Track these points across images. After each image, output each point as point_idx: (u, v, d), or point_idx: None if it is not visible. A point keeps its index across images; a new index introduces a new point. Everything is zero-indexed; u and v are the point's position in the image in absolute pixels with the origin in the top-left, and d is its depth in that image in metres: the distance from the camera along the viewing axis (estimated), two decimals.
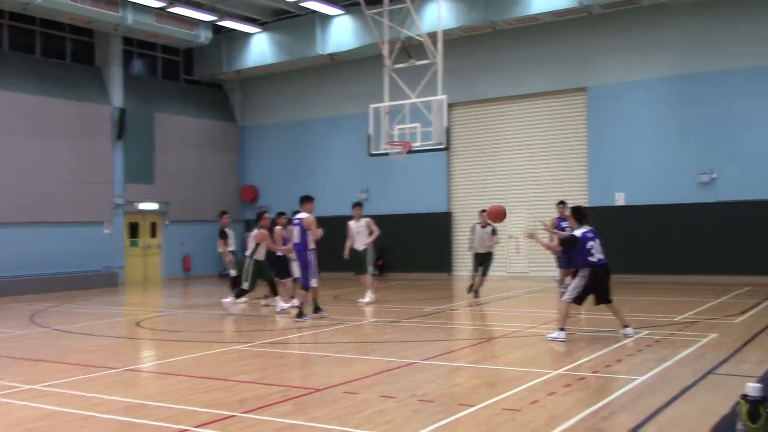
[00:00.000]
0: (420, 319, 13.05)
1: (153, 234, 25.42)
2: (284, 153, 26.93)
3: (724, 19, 19.17)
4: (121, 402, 7.06)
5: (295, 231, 12.84)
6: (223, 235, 16.44)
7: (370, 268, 15.64)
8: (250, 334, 11.67)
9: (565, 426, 5.76)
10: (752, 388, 5.00)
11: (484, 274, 15.87)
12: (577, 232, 10.10)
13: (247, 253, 14.42)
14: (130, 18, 21.61)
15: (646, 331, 10.47)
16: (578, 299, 10.02)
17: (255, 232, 14.43)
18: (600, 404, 6.43)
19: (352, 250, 15.48)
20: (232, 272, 16.39)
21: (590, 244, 9.94)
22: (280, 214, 15.01)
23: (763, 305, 13.41)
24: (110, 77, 23.83)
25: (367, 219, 15.60)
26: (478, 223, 15.94)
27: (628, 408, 6.30)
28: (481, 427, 5.85)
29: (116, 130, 23.54)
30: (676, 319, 11.80)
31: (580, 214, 10.34)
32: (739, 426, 4.88)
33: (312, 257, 12.80)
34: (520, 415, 6.16)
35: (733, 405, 6.00)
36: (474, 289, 15.89)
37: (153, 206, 24.95)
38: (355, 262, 15.53)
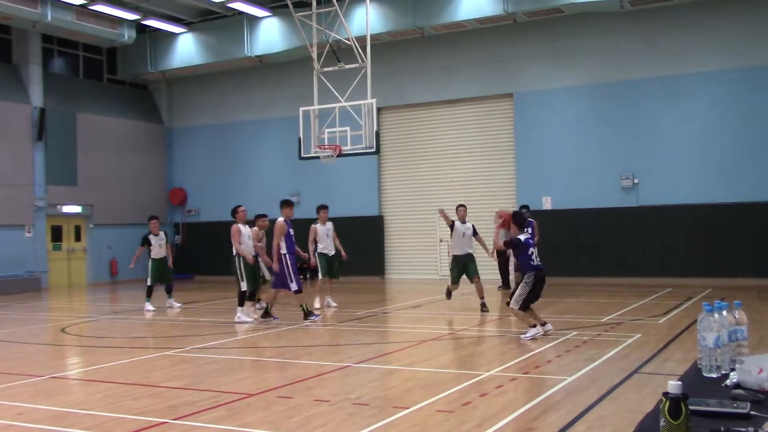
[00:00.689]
0: (353, 322, 13.06)
1: (77, 237, 24.70)
2: (213, 155, 26.57)
3: (643, 29, 19.83)
4: (47, 410, 6.84)
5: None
6: (145, 242, 16.06)
7: None
8: (181, 340, 11.48)
9: (497, 426, 5.86)
10: (673, 385, 5.19)
11: (474, 275, 13.98)
12: (522, 237, 10.45)
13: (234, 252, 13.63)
14: (49, 15, 20.91)
15: (575, 332, 10.74)
16: (524, 305, 10.23)
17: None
18: (531, 404, 6.57)
19: (324, 255, 15.03)
20: (149, 281, 16.10)
21: (531, 249, 10.33)
22: (261, 216, 14.39)
23: (684, 306, 13.90)
24: (29, 76, 23.03)
25: (330, 222, 15.39)
26: (456, 219, 14.09)
27: (558, 407, 6.46)
28: (415, 428, 5.90)
29: (36, 131, 22.78)
30: (602, 320, 12.13)
31: (521, 220, 10.70)
32: (662, 422, 5.07)
33: (286, 261, 12.76)
34: (453, 416, 6.24)
35: (657, 402, 6.21)
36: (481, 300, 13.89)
37: (77, 209, 24.24)
38: (328, 266, 15.09)
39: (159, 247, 16.12)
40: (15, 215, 22.22)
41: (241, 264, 13.25)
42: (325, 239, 15.10)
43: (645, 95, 19.78)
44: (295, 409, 6.58)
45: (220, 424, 6.15)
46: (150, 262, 16.04)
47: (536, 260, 10.31)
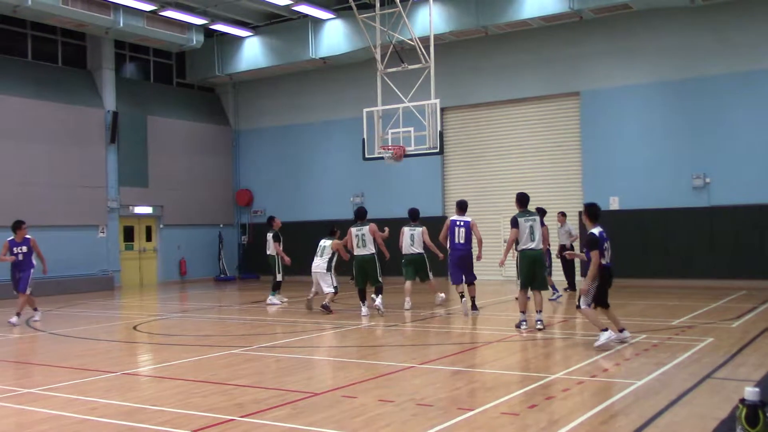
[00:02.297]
0: (417, 323, 13.06)
1: (148, 238, 25.37)
2: (279, 157, 26.92)
3: (715, 24, 19.27)
4: (119, 406, 7.04)
5: (462, 231, 13.73)
6: (278, 238, 16.77)
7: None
8: (247, 338, 11.65)
9: (564, 430, 5.78)
10: (750, 392, 5.03)
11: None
12: (596, 231, 9.67)
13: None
14: (121, 21, 21.53)
15: (644, 335, 10.51)
16: (597, 301, 9.66)
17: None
18: (599, 408, 6.45)
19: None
20: (279, 276, 16.79)
21: (605, 245, 9.68)
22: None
23: (759, 309, 13.46)
24: (102, 81, 23.76)
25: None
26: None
27: (627, 412, 6.32)
28: (480, 431, 5.87)
29: (109, 134, 23.47)
30: (673, 323, 11.83)
31: (596, 212, 9.95)
32: (738, 430, 4.92)
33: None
34: (519, 419, 6.18)
35: (732, 409, 6.03)
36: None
37: (147, 210, 24.89)
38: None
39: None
40: (89, 216, 22.95)
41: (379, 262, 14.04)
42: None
43: (717, 92, 19.21)
44: (359, 409, 6.62)
45: (286, 422, 6.21)
46: (278, 258, 16.75)
47: (607, 257, 9.63)
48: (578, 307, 9.78)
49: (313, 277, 15.11)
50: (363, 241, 13.91)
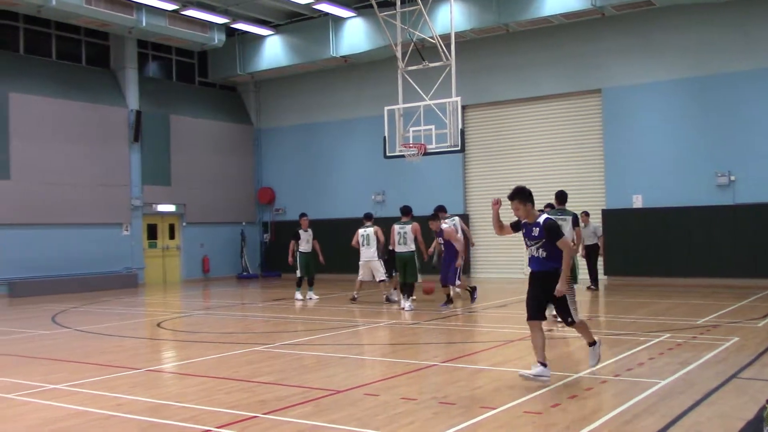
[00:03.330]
0: (438, 321, 13.06)
1: (171, 236, 25.56)
2: (300, 155, 27.01)
3: (739, 20, 19.05)
4: (144, 402, 7.11)
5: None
6: (296, 236, 17.09)
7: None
8: (270, 336, 11.71)
9: (587, 429, 5.76)
10: None
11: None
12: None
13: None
14: (144, 21, 21.73)
15: (668, 335, 10.43)
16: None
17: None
18: (622, 408, 6.41)
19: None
20: (298, 273, 17.07)
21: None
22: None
23: None
24: (126, 80, 23.97)
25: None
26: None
27: (651, 412, 6.28)
28: (502, 430, 5.86)
29: (132, 133, 23.66)
30: (697, 323, 11.72)
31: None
32: (765, 431, 4.88)
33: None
34: (541, 418, 6.16)
35: (758, 410, 5.98)
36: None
37: (170, 208, 25.08)
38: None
39: (306, 242, 17.15)
40: (113, 214, 23.17)
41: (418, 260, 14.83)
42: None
43: (742, 88, 18.99)
44: (381, 407, 6.63)
45: (309, 419, 6.24)
46: (299, 256, 17.05)
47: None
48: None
49: (366, 266, 15.64)
50: (404, 239, 14.58)
